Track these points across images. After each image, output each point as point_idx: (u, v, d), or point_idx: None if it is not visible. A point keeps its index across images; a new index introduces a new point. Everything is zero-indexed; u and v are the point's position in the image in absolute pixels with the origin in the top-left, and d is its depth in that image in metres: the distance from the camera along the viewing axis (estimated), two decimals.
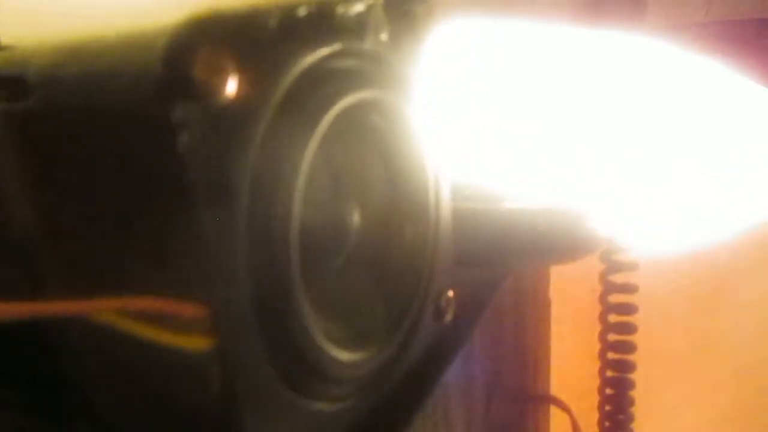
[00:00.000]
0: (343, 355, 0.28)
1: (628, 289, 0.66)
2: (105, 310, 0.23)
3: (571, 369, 0.67)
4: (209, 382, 0.23)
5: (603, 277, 0.67)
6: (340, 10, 0.27)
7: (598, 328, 0.67)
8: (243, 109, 0.23)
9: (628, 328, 0.66)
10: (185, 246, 0.22)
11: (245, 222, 0.23)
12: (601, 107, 0.52)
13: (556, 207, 0.51)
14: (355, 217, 0.32)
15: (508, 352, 0.63)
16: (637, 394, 0.65)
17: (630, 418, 0.67)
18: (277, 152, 0.25)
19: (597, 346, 0.67)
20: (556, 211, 0.50)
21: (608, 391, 0.67)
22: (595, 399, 0.67)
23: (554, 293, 0.66)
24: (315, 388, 0.28)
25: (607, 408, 0.67)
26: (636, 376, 0.65)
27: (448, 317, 0.39)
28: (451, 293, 0.39)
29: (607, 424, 0.67)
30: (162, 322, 0.22)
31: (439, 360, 0.38)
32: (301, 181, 0.25)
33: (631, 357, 0.66)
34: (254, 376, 0.24)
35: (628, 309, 0.66)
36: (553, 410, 0.66)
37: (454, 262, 0.40)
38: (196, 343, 0.22)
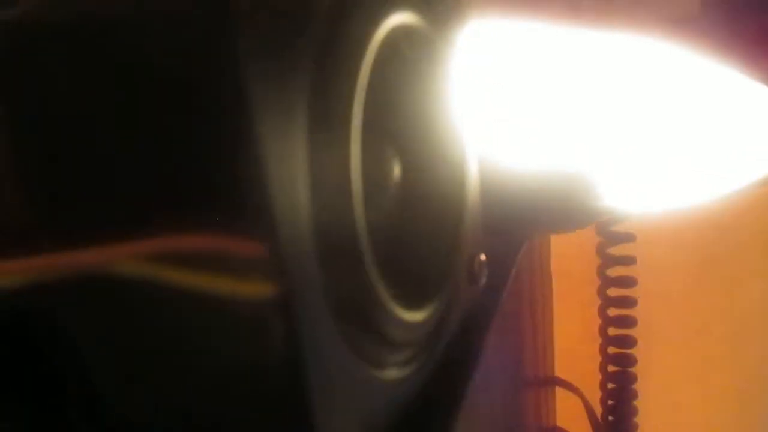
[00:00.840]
0: (406, 315, 0.25)
1: (626, 261, 0.64)
2: (141, 254, 0.18)
3: (572, 346, 0.64)
4: (270, 336, 0.19)
5: (600, 250, 0.65)
6: None
7: (597, 302, 0.64)
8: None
9: (628, 302, 0.63)
10: (240, 173, 0.18)
11: (306, 149, 0.20)
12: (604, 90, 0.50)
13: (569, 170, 0.49)
14: (396, 166, 0.29)
15: (510, 332, 0.59)
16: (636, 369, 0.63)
17: (633, 395, 0.64)
18: (333, 76, 0.21)
19: (597, 322, 0.64)
20: (570, 174, 0.49)
21: (610, 368, 0.64)
22: (597, 376, 0.64)
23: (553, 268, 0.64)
24: (379, 352, 0.24)
25: (610, 386, 0.65)
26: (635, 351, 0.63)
27: (482, 281, 0.36)
28: (483, 257, 0.36)
29: (610, 402, 0.64)
30: (210, 267, 0.18)
31: (477, 328, 0.34)
32: (357, 108, 0.21)
33: (632, 332, 0.63)
34: (320, 335, 0.20)
35: (626, 282, 0.63)
36: (559, 391, 0.63)
37: (480, 224, 0.37)
38: (253, 290, 0.18)
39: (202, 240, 0.18)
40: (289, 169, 0.19)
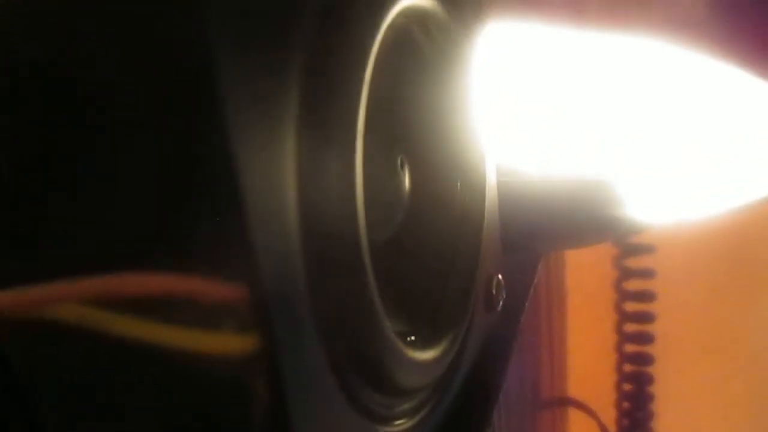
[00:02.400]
0: (417, 355, 0.20)
1: (645, 273, 0.59)
2: (91, 296, 0.14)
3: (586, 363, 0.60)
4: (252, 398, 0.14)
5: (617, 262, 0.60)
6: None
7: (612, 318, 0.60)
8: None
9: (646, 317, 0.59)
10: (215, 201, 0.14)
11: (295, 169, 0.15)
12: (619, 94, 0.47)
13: (590, 178, 0.45)
14: (406, 176, 0.24)
15: (524, 352, 0.55)
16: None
17: (649, 415, 0.60)
18: (329, 62, 0.17)
19: (612, 338, 0.60)
20: (591, 182, 0.45)
21: (626, 386, 0.60)
22: (612, 395, 0.60)
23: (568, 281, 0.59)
24: (385, 405, 0.19)
25: (625, 405, 0.60)
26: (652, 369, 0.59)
27: (500, 306, 0.31)
28: (500, 278, 0.31)
29: (625, 422, 0.60)
30: (177, 315, 0.14)
31: (496, 357, 0.30)
32: (362, 107, 0.17)
33: (649, 349, 0.59)
34: (313, 394, 0.16)
35: (645, 296, 0.59)
36: (573, 412, 0.58)
37: (500, 241, 0.33)
38: (230, 345, 0.14)
39: (165, 281, 0.14)
40: (272, 183, 0.15)
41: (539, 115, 0.45)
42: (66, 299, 0.14)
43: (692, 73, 0.48)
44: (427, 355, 0.22)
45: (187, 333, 0.14)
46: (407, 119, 0.24)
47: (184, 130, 0.14)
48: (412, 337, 0.22)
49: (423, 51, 0.24)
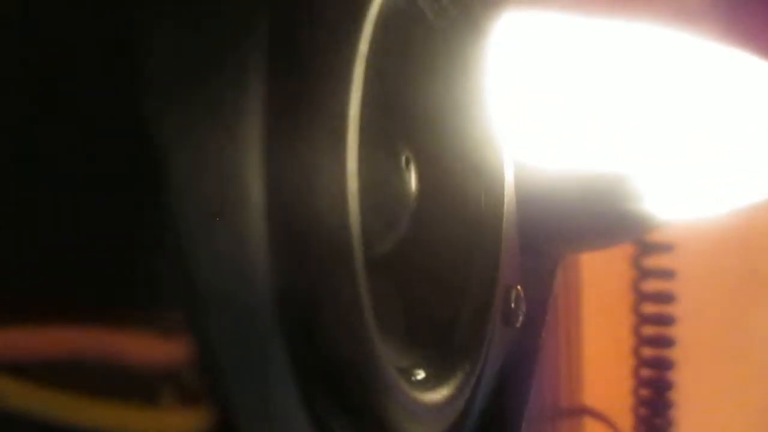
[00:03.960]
0: (425, 396, 0.16)
1: (664, 274, 0.55)
2: None
3: (601, 367, 0.56)
4: None
5: (635, 262, 0.56)
6: None
7: (629, 320, 0.56)
8: None
9: (665, 320, 0.55)
10: (146, 231, 0.09)
11: (261, 163, 0.11)
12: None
13: (608, 174, 0.41)
14: (413, 176, 0.20)
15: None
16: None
17: (669, 423, 0.56)
18: (311, 36, 0.12)
19: (629, 341, 0.56)
20: (610, 178, 0.41)
21: (643, 392, 0.56)
22: (629, 401, 0.56)
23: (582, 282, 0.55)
24: None
25: (643, 411, 0.56)
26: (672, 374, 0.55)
27: (520, 320, 0.27)
28: (519, 289, 0.27)
29: (643, 429, 0.56)
30: (97, 384, 0.10)
31: (517, 381, 0.26)
32: (356, 87, 0.12)
33: (668, 353, 0.55)
34: None
35: (664, 297, 0.55)
36: (588, 421, 0.54)
37: (518, 247, 0.29)
38: (170, 423, 0.10)
39: (78, 337, 0.09)
40: (223, 187, 0.10)
41: (552, 108, 0.41)
42: None
43: (712, 63, 0.45)
44: (438, 395, 0.17)
45: (106, 407, 0.10)
46: (412, 109, 0.20)
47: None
48: (420, 373, 0.18)
49: (433, 26, 0.20)
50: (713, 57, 0.44)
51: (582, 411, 0.55)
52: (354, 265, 0.13)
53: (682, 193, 0.47)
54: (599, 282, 0.56)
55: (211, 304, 0.09)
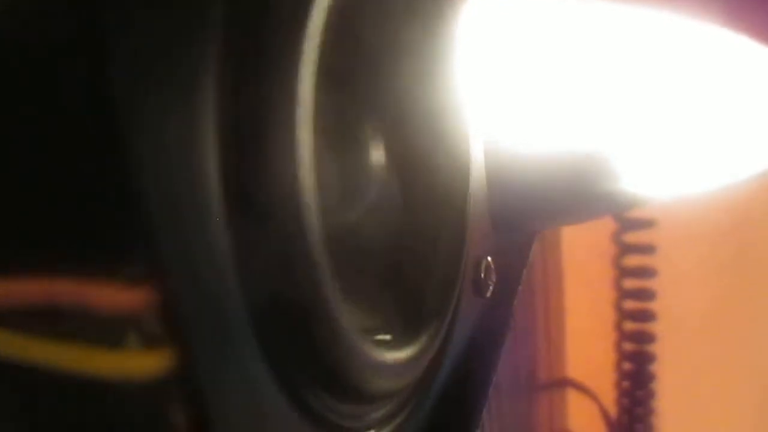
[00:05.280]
0: (387, 355, 0.17)
1: (645, 249, 0.56)
2: None
3: (583, 341, 0.57)
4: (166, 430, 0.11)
5: (616, 238, 0.57)
6: None
7: (611, 294, 0.57)
8: None
9: (646, 294, 0.56)
10: (100, 170, 0.10)
11: (215, 128, 0.12)
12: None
13: (583, 151, 0.41)
14: (377, 151, 0.21)
15: (519, 331, 0.52)
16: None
17: (650, 394, 0.57)
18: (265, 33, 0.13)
19: (611, 316, 0.57)
20: (585, 154, 0.41)
21: (626, 365, 0.57)
22: (611, 374, 0.57)
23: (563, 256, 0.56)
24: (348, 415, 0.16)
25: (625, 384, 0.57)
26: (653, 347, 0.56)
27: (489, 291, 0.28)
28: (490, 260, 0.28)
29: (625, 401, 0.57)
30: (61, 327, 0.10)
31: (487, 347, 0.27)
32: (310, 49, 0.13)
33: (650, 326, 0.56)
34: (254, 415, 0.13)
35: (645, 272, 0.56)
36: (571, 393, 0.56)
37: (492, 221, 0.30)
38: (134, 364, 0.11)
39: (44, 284, 0.10)
40: (181, 145, 0.11)
41: (528, 86, 0.42)
42: None
43: (689, 40, 0.45)
44: (401, 354, 0.18)
45: (76, 350, 0.11)
46: (381, 83, 0.21)
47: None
48: (386, 335, 0.19)
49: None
50: (689, 33, 0.44)
51: (565, 383, 0.56)
52: (310, 231, 0.13)
53: (661, 171, 0.48)
54: (581, 257, 0.57)
55: (172, 262, 0.10)
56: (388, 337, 0.19)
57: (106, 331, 0.11)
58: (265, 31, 0.13)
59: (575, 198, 0.40)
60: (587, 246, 0.57)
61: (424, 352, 0.20)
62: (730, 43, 0.47)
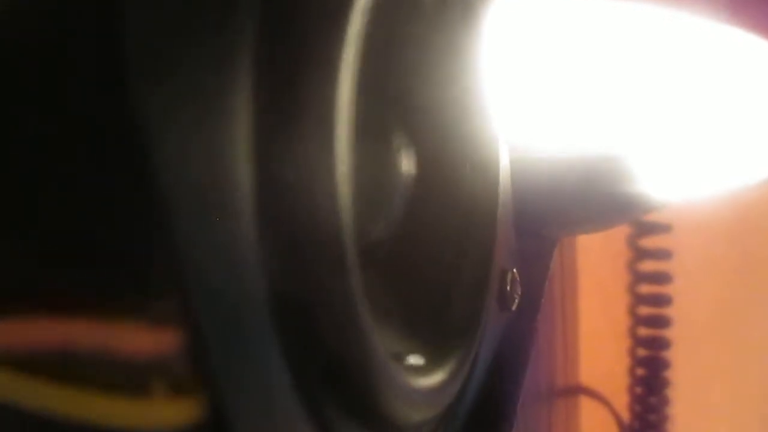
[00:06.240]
0: (420, 381, 0.16)
1: (660, 254, 0.55)
2: None
3: (597, 347, 0.56)
4: None
5: (631, 242, 0.56)
6: None
7: (625, 300, 0.56)
8: None
9: (662, 300, 0.55)
10: (136, 222, 0.09)
11: (250, 147, 0.11)
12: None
13: (603, 155, 0.41)
14: (408, 162, 0.20)
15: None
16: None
17: (664, 401, 0.56)
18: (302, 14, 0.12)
19: (625, 321, 0.56)
20: (605, 158, 0.41)
21: (640, 371, 0.56)
22: (625, 380, 0.56)
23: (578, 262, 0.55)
24: None
25: (639, 390, 0.56)
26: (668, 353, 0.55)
27: (515, 305, 0.27)
28: (515, 273, 0.27)
29: (639, 408, 0.56)
30: (86, 376, 0.09)
31: (512, 366, 0.26)
32: (349, 62, 0.12)
33: (665, 332, 0.55)
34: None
35: (660, 277, 0.55)
36: (584, 399, 0.54)
37: (514, 230, 0.29)
38: (164, 414, 0.10)
39: (64, 328, 0.09)
40: (213, 169, 0.10)
41: (542, 89, 0.41)
42: None
43: (702, 41, 0.44)
44: (432, 380, 0.17)
45: (96, 398, 0.10)
46: (408, 94, 0.20)
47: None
48: (414, 358, 0.18)
49: (426, 9, 0.19)
50: (706, 36, 0.43)
51: (578, 390, 0.55)
52: (346, 254, 0.12)
53: (678, 175, 0.47)
54: (596, 262, 0.56)
55: (202, 294, 0.09)
56: (417, 360, 0.18)
57: (128, 376, 0.09)
58: (301, 37, 0.12)
59: (595, 203, 0.39)
60: (602, 250, 0.56)
61: (455, 376, 0.18)
62: (747, 45, 0.45)
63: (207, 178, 0.10)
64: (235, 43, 0.11)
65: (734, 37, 0.44)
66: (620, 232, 0.54)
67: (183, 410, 0.10)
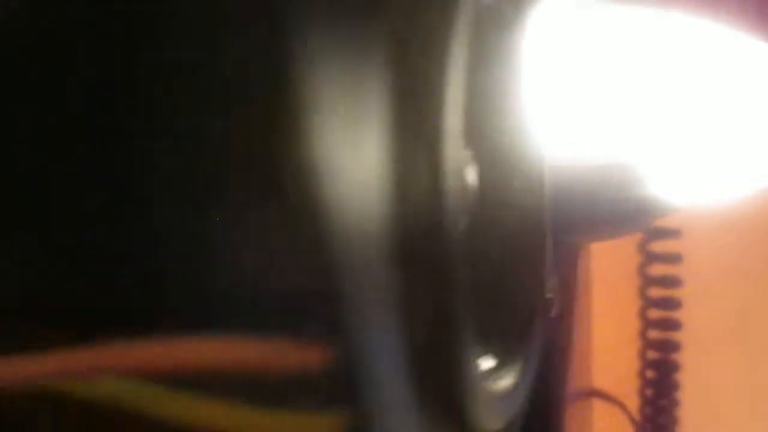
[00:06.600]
0: (496, 386, 0.17)
1: (671, 258, 0.56)
2: (129, 367, 0.10)
3: (608, 350, 0.56)
4: None
5: (642, 246, 0.57)
6: None
7: (636, 303, 0.57)
8: None
9: (671, 303, 0.56)
10: (292, 252, 0.10)
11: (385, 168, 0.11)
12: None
13: (622, 162, 0.41)
14: (473, 173, 0.20)
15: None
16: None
17: (674, 404, 0.57)
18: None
19: (635, 324, 0.57)
20: (625, 166, 0.41)
21: (650, 374, 0.57)
22: (635, 383, 0.57)
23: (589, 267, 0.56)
24: None
25: (648, 393, 0.57)
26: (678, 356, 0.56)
27: (555, 310, 0.27)
28: (555, 278, 0.28)
29: (649, 410, 0.57)
30: (246, 393, 0.10)
31: (555, 370, 0.26)
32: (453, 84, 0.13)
33: (675, 335, 0.56)
34: None
35: (670, 281, 0.55)
36: (596, 402, 0.55)
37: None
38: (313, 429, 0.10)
39: (226, 347, 0.10)
40: (360, 188, 0.11)
41: (556, 96, 0.42)
42: (97, 369, 0.10)
43: (718, 47, 0.45)
44: (505, 383, 0.18)
45: (247, 416, 0.10)
46: (474, 113, 0.20)
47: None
48: (487, 362, 0.18)
49: (489, 44, 0.20)
50: (718, 41, 0.44)
51: (589, 392, 0.56)
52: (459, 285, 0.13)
53: (688, 180, 0.48)
54: (606, 266, 0.57)
55: (356, 321, 0.10)
56: (489, 363, 0.19)
57: (277, 393, 0.10)
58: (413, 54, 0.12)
59: (602, 209, 0.40)
60: (612, 254, 0.57)
61: (523, 378, 0.19)
62: (761, 53, 0.46)
63: (356, 205, 0.11)
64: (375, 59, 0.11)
65: (749, 44, 0.45)
66: (630, 237, 0.55)
67: (329, 427, 0.10)
